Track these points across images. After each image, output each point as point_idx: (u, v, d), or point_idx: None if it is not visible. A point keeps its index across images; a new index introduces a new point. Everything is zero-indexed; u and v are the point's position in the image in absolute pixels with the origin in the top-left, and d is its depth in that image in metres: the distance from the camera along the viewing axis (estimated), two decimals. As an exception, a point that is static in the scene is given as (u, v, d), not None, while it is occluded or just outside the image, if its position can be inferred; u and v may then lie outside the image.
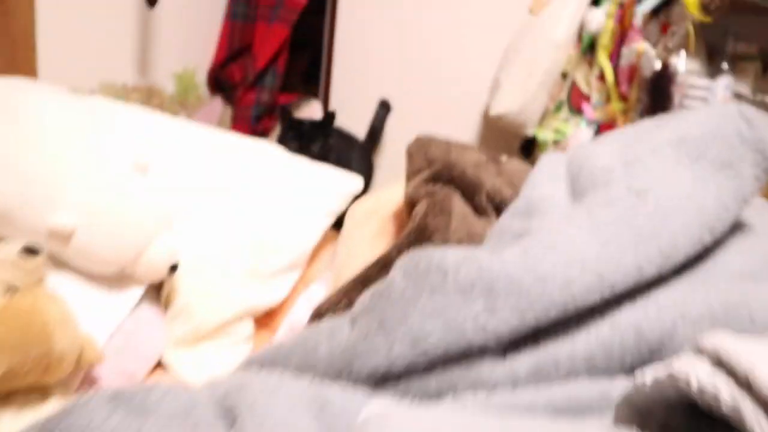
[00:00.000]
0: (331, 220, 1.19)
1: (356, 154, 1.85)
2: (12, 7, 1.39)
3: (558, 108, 1.64)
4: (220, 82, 2.05)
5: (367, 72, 2.12)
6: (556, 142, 1.62)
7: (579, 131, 1.55)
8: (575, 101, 1.60)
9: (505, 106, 1.74)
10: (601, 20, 1.52)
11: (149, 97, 1.88)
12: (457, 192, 0.95)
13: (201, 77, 2.04)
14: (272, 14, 1.96)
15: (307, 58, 2.24)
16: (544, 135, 1.61)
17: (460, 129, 2.05)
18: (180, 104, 1.99)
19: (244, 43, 2.04)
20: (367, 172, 1.92)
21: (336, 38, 2.14)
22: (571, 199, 0.84)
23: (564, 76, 1.66)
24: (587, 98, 1.57)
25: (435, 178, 0.97)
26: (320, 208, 1.17)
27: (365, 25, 2.08)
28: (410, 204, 0.99)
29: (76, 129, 0.97)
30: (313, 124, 1.51)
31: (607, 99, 1.53)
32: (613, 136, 0.94)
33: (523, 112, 1.73)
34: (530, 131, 1.71)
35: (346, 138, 1.91)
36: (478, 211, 0.96)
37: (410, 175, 1.03)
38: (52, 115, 0.96)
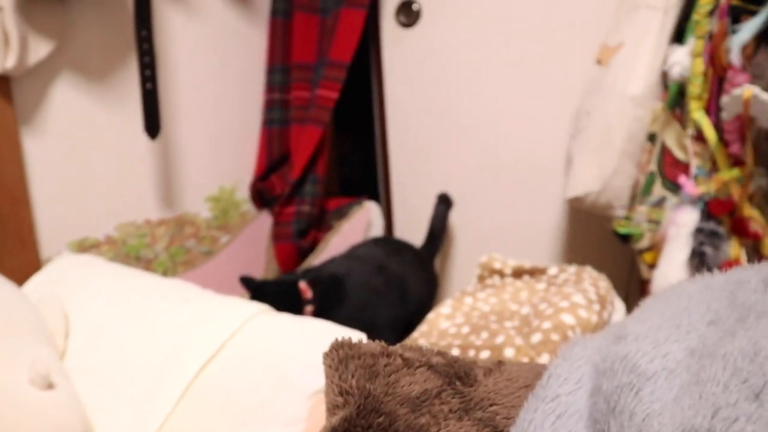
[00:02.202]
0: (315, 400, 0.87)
1: (408, 270, 1.53)
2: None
3: (649, 183, 1.22)
4: (263, 195, 1.85)
5: (425, 166, 1.83)
6: (652, 231, 1.19)
7: (679, 213, 1.12)
8: (670, 172, 1.18)
9: (582, 185, 1.36)
10: (685, 62, 1.11)
11: (180, 227, 1.71)
12: None
13: (243, 193, 1.86)
14: (305, 115, 1.74)
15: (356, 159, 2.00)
16: (632, 228, 1.19)
17: (541, 220, 1.67)
18: (220, 228, 1.81)
19: (283, 150, 1.84)
20: (426, 285, 1.58)
21: (388, 131, 1.87)
22: None
23: (652, 138, 1.25)
24: (685, 167, 1.14)
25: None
26: (301, 389, 0.85)
27: (416, 110, 1.80)
28: None
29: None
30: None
31: (713, 166, 1.10)
32: (689, 312, 0.49)
33: (605, 190, 1.33)
34: (620, 213, 1.30)
35: (395, 248, 1.60)
36: None
37: (328, 413, 0.58)
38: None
